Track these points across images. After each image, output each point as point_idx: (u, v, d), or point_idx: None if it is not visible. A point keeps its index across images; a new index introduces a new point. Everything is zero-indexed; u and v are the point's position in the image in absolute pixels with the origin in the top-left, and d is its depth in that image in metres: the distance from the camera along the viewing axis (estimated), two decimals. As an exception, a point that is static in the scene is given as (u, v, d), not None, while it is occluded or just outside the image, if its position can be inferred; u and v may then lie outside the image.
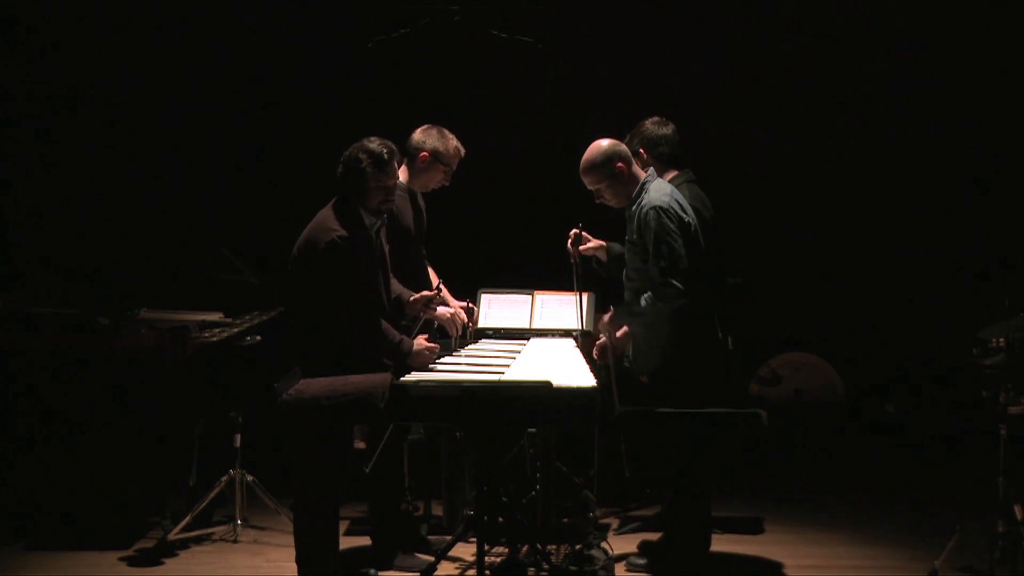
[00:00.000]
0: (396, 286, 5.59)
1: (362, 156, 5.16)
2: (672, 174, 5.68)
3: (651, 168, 5.43)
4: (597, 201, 5.39)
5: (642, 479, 6.75)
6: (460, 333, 5.70)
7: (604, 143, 5.35)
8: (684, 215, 5.21)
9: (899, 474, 7.66)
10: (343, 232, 5.09)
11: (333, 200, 5.24)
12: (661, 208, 5.18)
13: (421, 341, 5.22)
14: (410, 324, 5.52)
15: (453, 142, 5.83)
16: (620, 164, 5.29)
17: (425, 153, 5.78)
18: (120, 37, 7.98)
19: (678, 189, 5.44)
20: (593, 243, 5.69)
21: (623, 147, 5.36)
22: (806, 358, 8.05)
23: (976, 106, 8.08)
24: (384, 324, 5.17)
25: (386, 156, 5.18)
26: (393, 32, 7.12)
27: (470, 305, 5.83)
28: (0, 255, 7.78)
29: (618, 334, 5.51)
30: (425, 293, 5.51)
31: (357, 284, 5.11)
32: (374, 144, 5.19)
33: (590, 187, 5.34)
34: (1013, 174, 8.00)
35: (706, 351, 5.26)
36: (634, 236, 5.29)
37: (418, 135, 5.81)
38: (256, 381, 6.05)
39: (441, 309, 5.70)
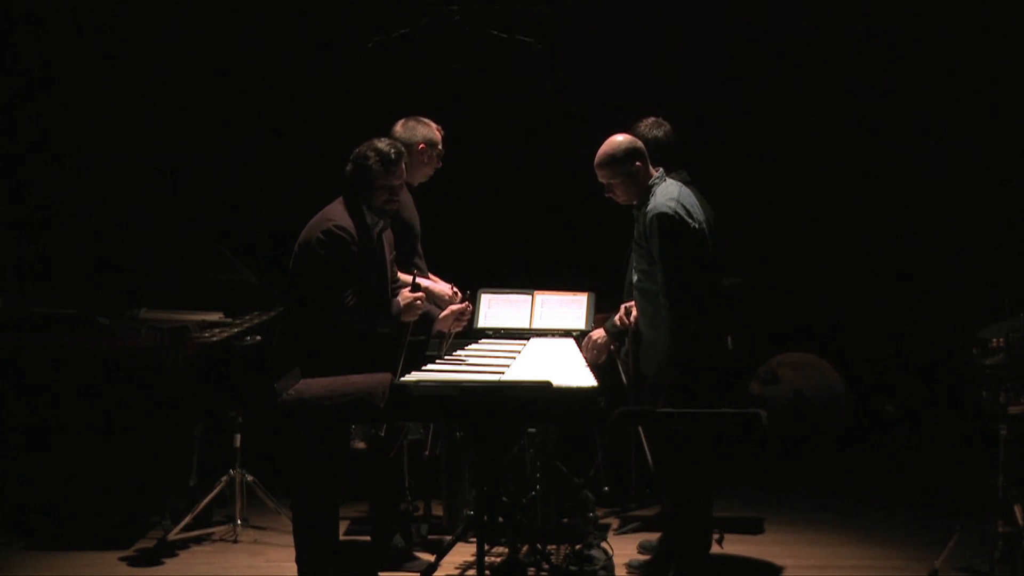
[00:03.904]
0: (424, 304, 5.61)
1: (370, 154, 5.21)
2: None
3: (661, 169, 5.39)
4: (606, 195, 5.37)
5: (643, 479, 6.77)
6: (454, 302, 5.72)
7: (623, 139, 5.31)
8: (690, 220, 5.18)
9: (899, 474, 7.66)
10: (340, 222, 5.13)
11: (337, 199, 5.27)
12: (666, 216, 5.16)
13: (406, 294, 5.26)
14: (438, 341, 5.60)
15: (434, 125, 5.93)
16: (638, 163, 5.27)
17: (423, 144, 5.83)
18: (120, 36, 7.98)
19: None
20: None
21: (641, 145, 5.34)
22: (806, 358, 8.04)
23: (976, 106, 8.07)
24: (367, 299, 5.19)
25: (394, 156, 5.23)
26: (393, 32, 7.12)
27: (455, 290, 5.83)
28: (1, 255, 7.78)
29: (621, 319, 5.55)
30: (454, 308, 5.54)
31: (349, 275, 5.12)
32: (383, 144, 5.26)
33: (603, 181, 5.32)
34: (1013, 174, 8.00)
35: (707, 352, 5.24)
36: (641, 239, 5.27)
37: (403, 131, 5.84)
38: (256, 381, 6.05)
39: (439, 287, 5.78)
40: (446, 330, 5.59)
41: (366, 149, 5.24)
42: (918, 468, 7.74)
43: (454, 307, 5.58)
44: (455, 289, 5.69)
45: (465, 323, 5.67)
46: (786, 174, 8.27)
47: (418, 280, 5.75)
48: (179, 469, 6.35)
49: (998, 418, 5.57)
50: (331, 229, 5.12)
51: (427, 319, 5.57)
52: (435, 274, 6.00)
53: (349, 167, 5.26)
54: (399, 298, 5.29)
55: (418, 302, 5.30)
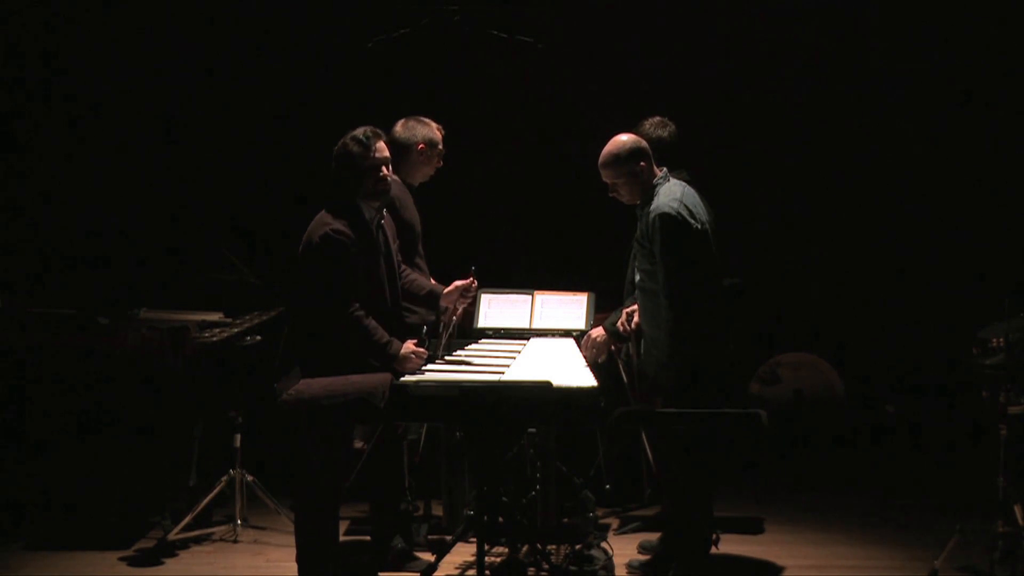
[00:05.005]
0: (427, 282, 5.61)
1: (347, 142, 5.22)
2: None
3: (664, 169, 5.39)
4: (610, 195, 5.38)
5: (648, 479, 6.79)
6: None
7: (627, 139, 5.31)
8: (692, 220, 5.18)
9: (899, 474, 7.66)
10: (338, 226, 5.11)
11: (331, 200, 5.25)
12: (669, 216, 5.16)
13: (409, 346, 5.18)
14: (437, 319, 5.57)
15: (434, 124, 5.92)
16: (642, 163, 5.28)
17: (422, 144, 5.83)
18: (120, 36, 7.98)
19: None
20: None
21: (645, 144, 5.34)
22: (806, 358, 8.04)
23: (975, 105, 8.07)
24: (372, 323, 5.15)
25: (370, 134, 5.23)
26: (393, 32, 7.13)
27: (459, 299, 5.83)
28: (1, 255, 7.77)
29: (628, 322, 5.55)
30: (459, 283, 5.54)
31: (351, 279, 5.11)
32: (356, 130, 5.26)
33: (607, 180, 5.32)
34: (1013, 173, 8.00)
35: (707, 351, 5.24)
36: (643, 238, 5.27)
37: (403, 131, 5.84)
38: (256, 381, 6.05)
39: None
40: (450, 306, 5.58)
41: (342, 141, 5.24)
42: (918, 468, 7.74)
43: (459, 283, 5.56)
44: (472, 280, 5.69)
45: (470, 300, 5.64)
46: (786, 174, 8.27)
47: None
48: (179, 469, 6.35)
49: (998, 418, 5.58)
50: (328, 234, 5.09)
51: (432, 296, 5.58)
52: (435, 275, 6.00)
53: (333, 165, 5.25)
54: (403, 347, 5.17)
55: (414, 356, 5.17)
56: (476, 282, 5.62)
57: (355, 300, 5.10)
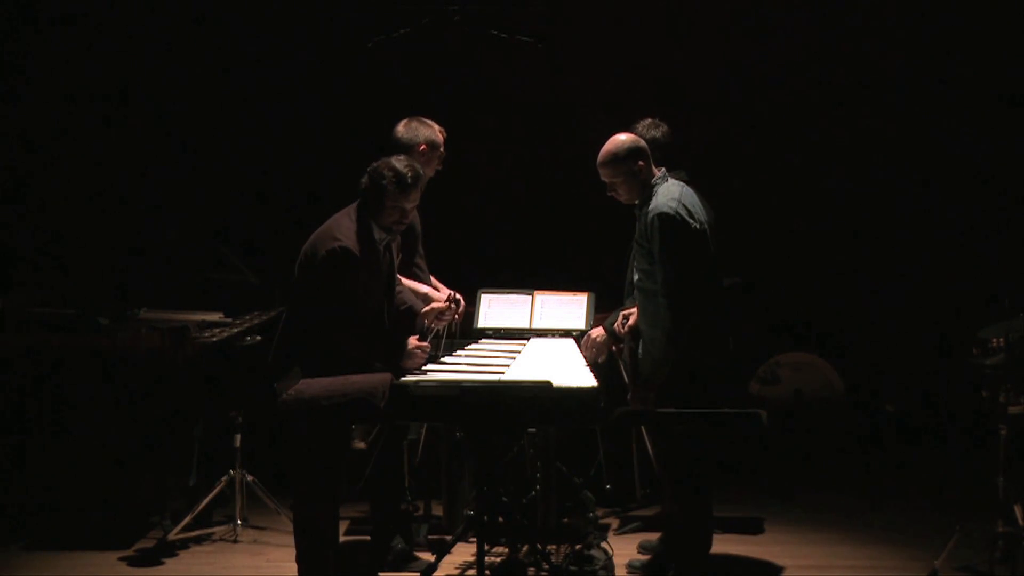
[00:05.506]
0: (408, 296, 5.60)
1: (387, 173, 5.12)
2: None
3: (663, 168, 5.39)
4: (608, 194, 5.38)
5: (644, 478, 6.79)
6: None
7: (626, 138, 5.31)
8: (691, 220, 5.18)
9: (899, 474, 7.66)
10: (345, 243, 5.06)
11: (349, 207, 5.22)
12: (667, 216, 5.16)
13: (412, 341, 5.18)
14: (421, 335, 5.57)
15: (436, 126, 5.88)
16: (641, 162, 5.27)
17: (423, 145, 5.80)
18: (120, 36, 7.98)
19: None
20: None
21: (644, 144, 5.34)
22: (806, 358, 8.04)
23: (975, 104, 8.07)
24: (375, 330, 5.15)
25: (410, 180, 5.13)
26: (393, 32, 7.13)
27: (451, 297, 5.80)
28: (1, 255, 7.78)
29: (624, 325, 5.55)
30: (436, 305, 5.52)
31: (352, 294, 5.09)
32: (401, 164, 5.16)
33: (605, 180, 5.32)
34: (1012, 172, 8.00)
35: (704, 351, 5.24)
36: (642, 238, 5.27)
37: (405, 132, 5.80)
38: (256, 381, 6.05)
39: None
40: (429, 324, 5.55)
41: (384, 167, 5.14)
42: (918, 468, 7.74)
43: (436, 304, 5.53)
44: (454, 295, 5.68)
45: (447, 321, 5.58)
46: (785, 174, 8.27)
47: (417, 286, 5.73)
48: (179, 469, 6.35)
49: (998, 418, 5.58)
50: (335, 250, 5.04)
51: (411, 312, 5.57)
52: (435, 275, 6.00)
53: (364, 179, 5.17)
54: (406, 343, 5.15)
55: (419, 351, 5.14)
56: (454, 305, 5.55)
57: (352, 316, 5.09)
